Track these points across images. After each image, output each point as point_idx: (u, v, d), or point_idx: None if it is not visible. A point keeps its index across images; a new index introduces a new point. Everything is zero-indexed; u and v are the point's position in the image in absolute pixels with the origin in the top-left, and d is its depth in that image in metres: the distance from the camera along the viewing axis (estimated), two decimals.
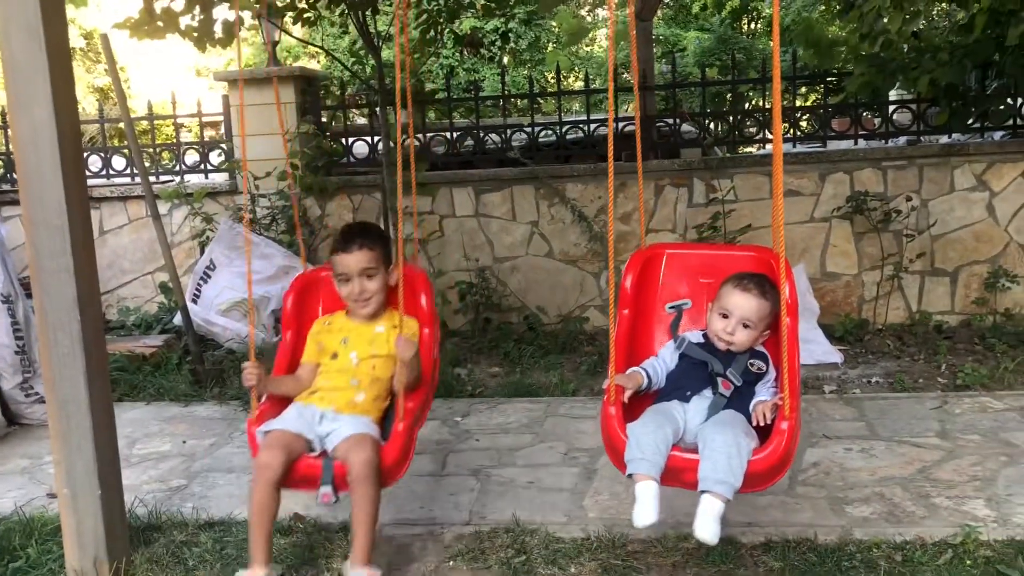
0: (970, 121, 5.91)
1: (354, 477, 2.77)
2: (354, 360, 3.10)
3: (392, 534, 3.43)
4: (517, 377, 5.19)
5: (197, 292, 5.82)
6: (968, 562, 3.02)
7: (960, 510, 3.38)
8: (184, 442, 4.51)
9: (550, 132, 6.40)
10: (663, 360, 3.05)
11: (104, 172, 6.71)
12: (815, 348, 5.22)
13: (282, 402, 3.11)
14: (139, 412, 4.98)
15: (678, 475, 2.68)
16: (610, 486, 3.73)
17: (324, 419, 2.97)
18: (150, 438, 4.59)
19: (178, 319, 5.60)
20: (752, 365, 2.95)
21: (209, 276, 5.83)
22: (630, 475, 2.67)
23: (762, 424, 2.78)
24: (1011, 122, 5.89)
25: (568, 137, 6.38)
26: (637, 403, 3.00)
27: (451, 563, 3.21)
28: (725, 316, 2.96)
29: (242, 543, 3.35)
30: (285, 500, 3.68)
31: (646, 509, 2.60)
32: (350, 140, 6.45)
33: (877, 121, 6.22)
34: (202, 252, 6.05)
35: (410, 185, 3.19)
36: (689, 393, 2.91)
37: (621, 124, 6.26)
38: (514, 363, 5.40)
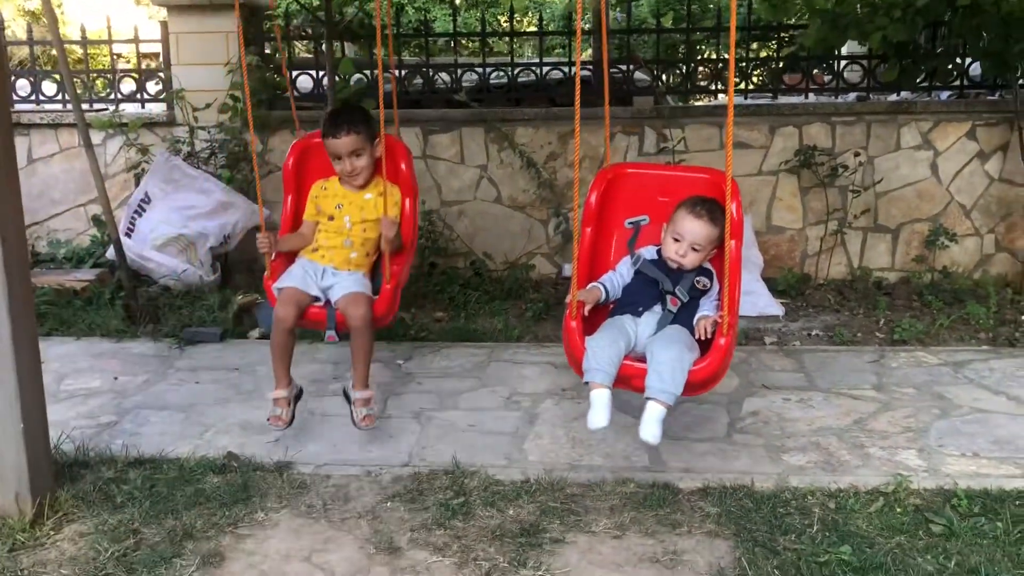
0: (919, 79, 5.94)
1: (353, 328, 3.42)
2: (347, 224, 3.65)
3: (330, 473, 3.39)
4: (462, 322, 5.14)
5: (131, 226, 5.61)
6: (898, 509, 3.09)
7: (893, 460, 3.45)
8: (115, 379, 4.38)
9: (501, 74, 6.28)
10: (620, 274, 3.36)
11: (34, 97, 6.40)
12: (757, 300, 5.26)
13: (288, 258, 3.71)
14: (69, 347, 4.82)
15: (628, 381, 3.04)
16: (551, 430, 3.73)
17: (326, 274, 3.57)
18: (80, 374, 4.45)
19: (111, 253, 5.40)
20: (698, 282, 3.27)
21: (144, 210, 5.62)
22: (586, 383, 3.00)
23: (703, 339, 3.09)
24: (958, 82, 5.95)
25: (520, 80, 6.27)
26: (595, 314, 3.29)
27: (388, 504, 3.18)
28: (677, 240, 3.24)
29: (173, 481, 3.28)
30: (219, 439, 3.64)
31: (599, 414, 2.95)
32: (294, 73, 6.24)
33: (827, 77, 6.23)
34: (137, 185, 5.84)
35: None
36: (641, 309, 3.22)
37: (572, 69, 6.17)
38: (459, 308, 5.34)
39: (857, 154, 5.68)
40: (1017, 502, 3.11)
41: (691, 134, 5.80)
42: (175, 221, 5.57)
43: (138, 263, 5.49)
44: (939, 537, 2.92)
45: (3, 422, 2.97)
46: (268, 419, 3.49)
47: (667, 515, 3.09)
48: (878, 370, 4.36)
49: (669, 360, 2.96)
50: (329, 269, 3.60)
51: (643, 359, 3.06)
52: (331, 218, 3.67)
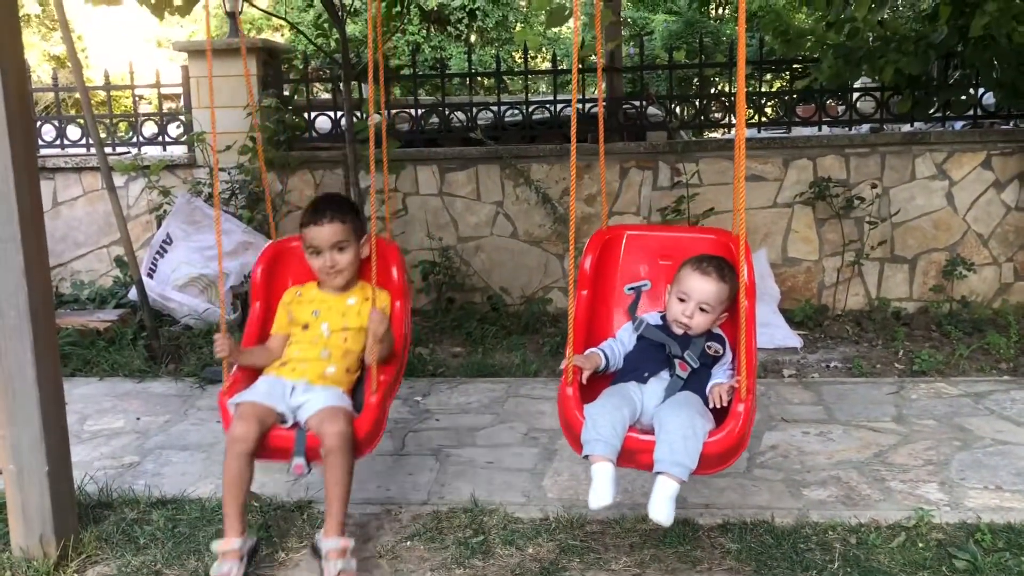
0: (932, 110, 5.96)
1: (328, 449, 2.79)
2: (325, 332, 3.09)
3: (350, 512, 3.36)
4: (479, 357, 5.16)
5: (153, 266, 5.70)
6: (921, 544, 3.06)
7: (914, 494, 3.42)
8: (138, 419, 4.42)
9: (516, 112, 6.35)
10: (621, 342, 3.04)
11: (58, 142, 6.54)
12: (775, 332, 5.26)
13: (253, 373, 3.11)
14: (92, 388, 4.88)
15: (634, 456, 2.67)
16: (570, 467, 3.72)
17: (296, 391, 2.97)
18: (102, 414, 4.49)
19: (133, 294, 5.48)
20: (709, 348, 2.94)
21: (166, 250, 5.71)
22: (586, 456, 2.65)
23: (718, 407, 2.77)
24: (971, 112, 5.96)
25: (534, 117, 6.34)
26: (595, 384, 2.98)
27: (408, 543, 3.18)
28: (683, 300, 2.94)
29: (195, 521, 3.29)
30: None
31: (602, 491, 2.60)
32: (313, 115, 6.35)
33: (841, 109, 6.25)
34: (159, 226, 5.92)
35: (381, 162, 3.14)
36: (647, 375, 2.89)
37: (587, 105, 6.23)
38: (476, 343, 5.36)
39: (874, 185, 5.69)
40: None
41: (705, 167, 5.83)
42: (196, 261, 5.65)
43: (160, 303, 5.57)
44: (963, 573, 2.89)
45: (28, 464, 3.00)
46: None
47: (687, 552, 3.07)
48: (898, 402, 4.33)
49: (680, 428, 2.59)
50: (300, 384, 2.97)
51: (651, 430, 2.70)
52: (305, 327, 3.10)
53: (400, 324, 3.16)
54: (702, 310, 2.92)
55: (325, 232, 3.06)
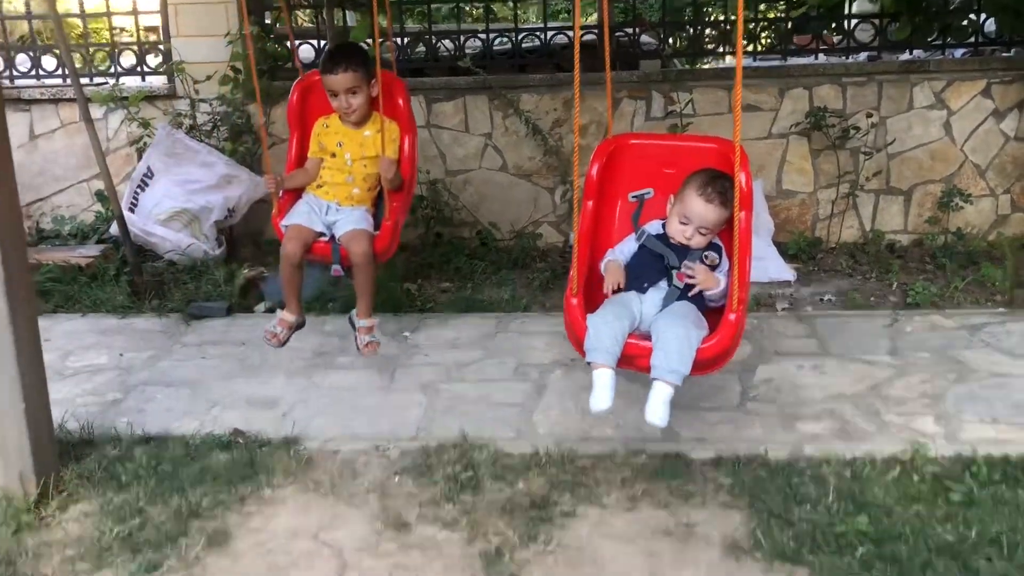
0: (931, 38, 5.78)
1: (355, 264, 3.55)
2: (348, 161, 3.71)
3: (337, 448, 3.32)
4: (468, 293, 5.05)
5: (135, 201, 5.53)
6: (916, 478, 3.01)
7: (909, 427, 3.36)
8: (121, 355, 4.31)
9: (505, 40, 6.13)
10: (623, 252, 3.16)
11: (34, 72, 6.30)
12: (769, 265, 5.15)
13: (294, 194, 3.77)
14: (74, 324, 4.76)
15: (633, 361, 2.86)
16: (560, 402, 3.65)
17: (330, 210, 3.67)
18: (85, 351, 4.38)
19: (115, 229, 5.32)
20: (706, 258, 3.08)
21: (147, 184, 5.53)
22: (588, 363, 2.83)
23: (687, 284, 2.98)
24: (972, 39, 5.78)
25: (524, 46, 6.12)
26: (597, 292, 3.10)
27: (397, 478, 3.12)
28: (684, 223, 3.05)
29: (178, 459, 3.22)
30: (226, 415, 3.57)
31: (601, 396, 2.79)
32: (296, 43, 6.10)
33: (837, 38, 6.06)
34: (139, 159, 5.74)
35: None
36: (646, 285, 3.04)
37: (580, 33, 6.01)
38: (465, 279, 5.25)
39: (869, 115, 5.53)
40: None
41: (699, 97, 5.65)
42: (178, 195, 5.48)
43: (142, 238, 5.42)
44: (958, 506, 2.84)
45: (4, 402, 2.90)
46: (265, 333, 3.69)
47: (680, 486, 3.02)
48: (892, 335, 4.26)
49: (676, 338, 2.77)
50: (333, 205, 3.68)
51: (648, 337, 2.87)
52: (333, 155, 3.73)
53: (407, 157, 3.74)
54: (701, 233, 3.05)
55: (339, 79, 3.59)
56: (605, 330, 2.81)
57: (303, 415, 3.58)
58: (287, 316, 3.70)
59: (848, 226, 5.71)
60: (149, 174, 5.58)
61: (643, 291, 3.03)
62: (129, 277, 5.14)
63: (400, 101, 3.78)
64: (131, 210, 5.48)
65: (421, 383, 3.88)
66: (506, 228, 5.87)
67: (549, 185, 5.84)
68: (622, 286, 3.02)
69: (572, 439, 3.33)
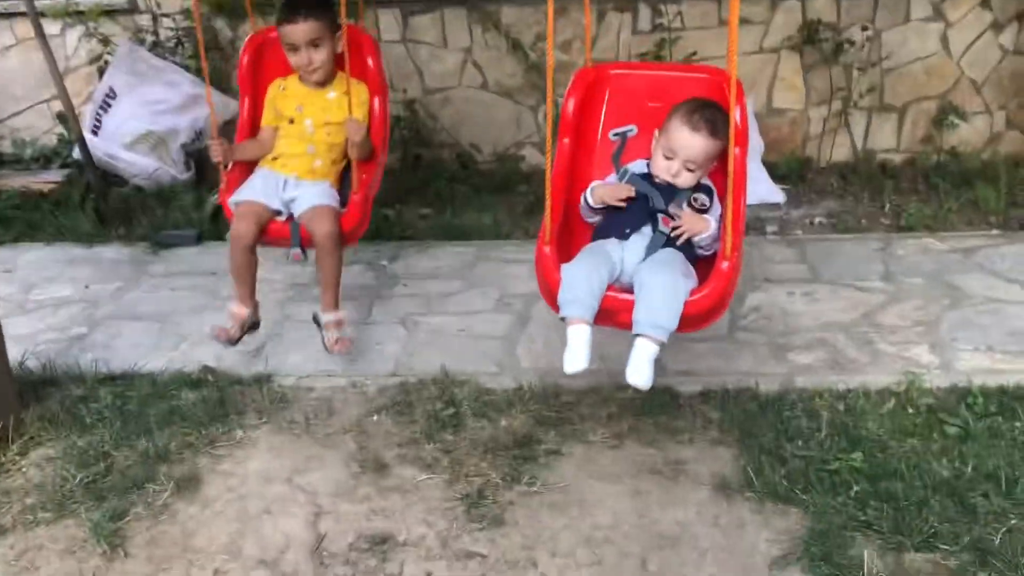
0: None
1: (319, 246, 3.08)
2: (309, 127, 3.25)
3: (312, 385, 3.20)
4: (448, 219, 4.86)
5: (97, 123, 5.25)
6: (911, 410, 2.92)
7: (904, 356, 3.25)
8: (87, 287, 4.13)
9: None
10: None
11: None
12: (758, 187, 4.97)
13: (247, 168, 3.31)
14: (38, 254, 4.56)
15: (612, 316, 2.56)
16: (544, 334, 3.51)
17: (288, 185, 3.18)
18: (49, 282, 4.20)
19: (78, 153, 5.07)
20: (695, 200, 2.76)
21: (109, 105, 5.25)
22: (563, 318, 2.54)
23: (675, 229, 2.66)
24: None
25: None
26: (572, 242, 2.82)
27: (375, 417, 3.00)
28: (669, 158, 2.72)
29: (145, 398, 3.09)
30: (196, 351, 3.42)
31: (577, 355, 2.50)
32: None
33: None
34: (101, 78, 5.44)
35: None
36: (628, 230, 2.72)
37: None
38: (445, 204, 5.04)
39: (864, 28, 5.28)
40: None
41: (688, 9, 5.37)
42: (143, 117, 5.21)
43: (107, 162, 5.16)
44: (954, 439, 2.76)
45: None
46: (212, 329, 3.18)
47: (667, 422, 2.92)
48: (885, 259, 4.12)
49: (661, 288, 2.46)
50: (291, 179, 3.20)
51: (630, 289, 2.56)
52: (291, 121, 3.27)
53: (379, 121, 3.31)
54: (688, 169, 2.71)
55: (299, 29, 3.14)
56: (581, 281, 2.51)
57: (277, 350, 3.44)
58: (238, 309, 3.17)
59: (840, 145, 5.52)
60: (111, 94, 5.29)
61: (624, 237, 2.70)
62: (95, 204, 4.92)
63: (370, 60, 3.33)
64: (94, 133, 5.21)
65: (400, 316, 3.73)
66: (487, 150, 5.64)
67: (532, 104, 5.60)
68: (633, 196, 2.69)
69: (556, 373, 3.17)
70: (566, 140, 2.91)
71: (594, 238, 2.84)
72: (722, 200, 2.72)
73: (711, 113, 2.70)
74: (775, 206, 4.94)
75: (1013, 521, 2.38)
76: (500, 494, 2.58)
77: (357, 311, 3.77)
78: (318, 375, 3.25)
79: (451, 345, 3.45)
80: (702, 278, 2.65)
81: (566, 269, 2.57)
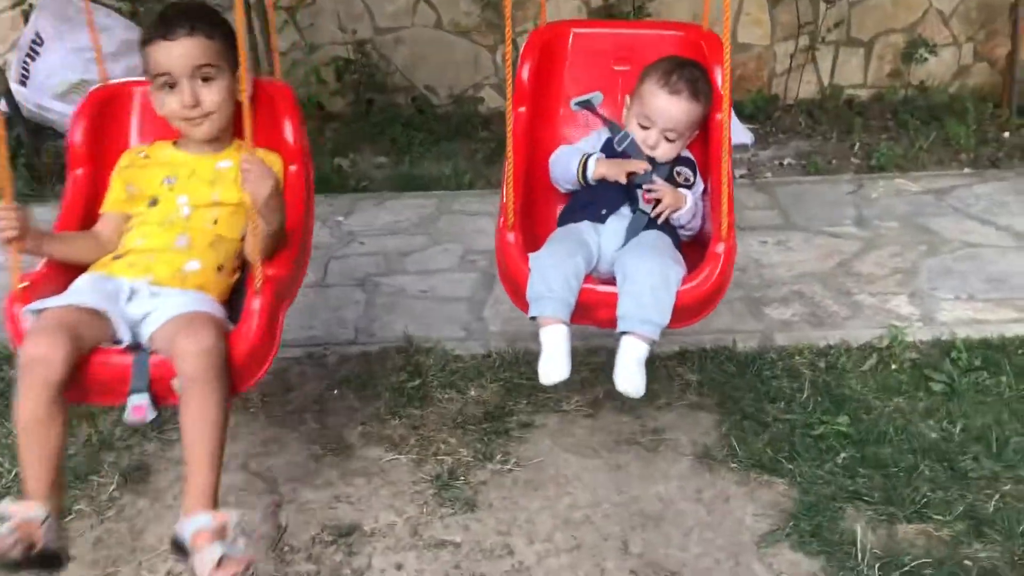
0: None
1: (187, 377, 1.81)
2: (184, 209, 2.14)
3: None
4: (406, 168, 4.61)
5: (25, 72, 4.86)
6: (894, 366, 2.80)
7: (884, 308, 3.12)
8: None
9: None
10: (584, 148, 2.45)
11: None
12: None
13: (67, 272, 2.09)
14: None
15: (591, 312, 2.20)
16: None
17: (136, 296, 1.99)
18: None
19: (4, 105, 4.70)
20: (678, 175, 2.42)
21: (37, 52, 4.86)
22: (533, 317, 2.17)
23: (656, 212, 2.30)
24: None
25: None
26: (535, 221, 2.45)
27: (336, 391, 2.80)
28: (645, 127, 2.38)
29: None
30: None
31: (555, 362, 2.14)
32: None
33: None
34: (26, 23, 5.03)
35: None
36: (604, 211, 2.35)
37: None
38: (402, 152, 4.79)
39: None
40: (1020, 351, 2.83)
41: None
42: (75, 65, 4.82)
43: (38, 115, 4.80)
44: (940, 397, 2.64)
45: None
46: None
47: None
48: (857, 202, 3.98)
49: (648, 277, 2.09)
50: (143, 286, 2.01)
51: (610, 280, 2.22)
52: (154, 202, 2.16)
53: (298, 196, 2.25)
54: (668, 139, 2.37)
55: (180, 50, 2.08)
56: (554, 273, 2.11)
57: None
58: (26, 511, 1.75)
59: (806, 81, 5.33)
60: (38, 41, 4.89)
61: (601, 220, 2.33)
62: (26, 160, 4.58)
63: (288, 124, 2.31)
64: (22, 83, 4.82)
65: (358, 277, 3.50)
66: (444, 93, 5.36)
67: (490, 44, 5.31)
68: (647, 168, 2.31)
69: (526, 337, 3.02)
70: (522, 109, 2.52)
71: (561, 220, 2.44)
72: (703, 174, 2.46)
73: (691, 72, 2.36)
74: (743, 147, 4.75)
75: (1006, 487, 2.28)
76: (472, 473, 2.42)
77: (312, 273, 3.52)
78: None
79: (414, 308, 3.25)
80: (691, 266, 2.24)
81: (536, 260, 2.18)
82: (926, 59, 5.08)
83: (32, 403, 1.79)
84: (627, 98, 2.47)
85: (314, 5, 5.21)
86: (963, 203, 3.90)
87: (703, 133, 2.45)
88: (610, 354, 2.80)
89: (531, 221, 2.41)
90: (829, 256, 3.50)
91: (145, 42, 2.13)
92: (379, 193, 4.33)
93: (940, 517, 2.19)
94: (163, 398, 1.90)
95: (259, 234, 1.96)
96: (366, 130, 4.97)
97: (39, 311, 1.92)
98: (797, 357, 2.86)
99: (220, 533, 1.74)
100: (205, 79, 2.11)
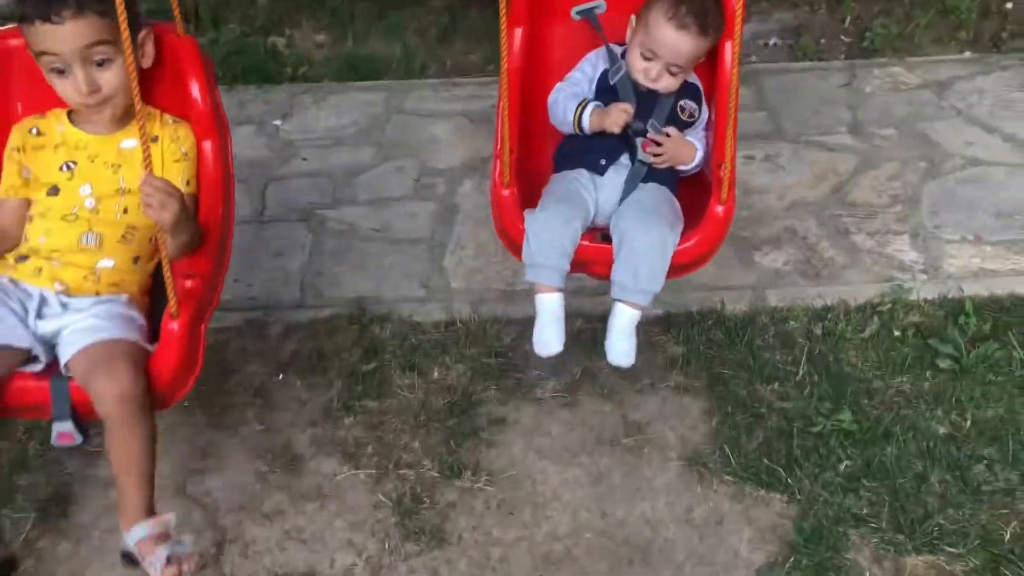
0: None
1: (107, 420, 1.69)
2: (88, 200, 1.87)
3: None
4: (350, 47, 3.94)
5: None
6: (897, 333, 2.47)
7: (884, 253, 2.75)
8: None
9: None
10: (581, 84, 2.24)
11: None
12: None
13: None
14: None
15: (587, 266, 2.13)
16: (474, 233, 2.86)
17: (46, 307, 1.80)
18: None
19: None
20: (682, 110, 2.22)
21: None
22: (528, 280, 2.09)
23: (657, 164, 2.15)
24: None
25: None
26: (529, 158, 2.21)
27: (280, 376, 2.41)
28: (648, 58, 2.13)
29: None
30: None
31: (550, 334, 2.07)
32: None
33: None
34: None
35: None
36: (603, 162, 2.17)
37: None
38: (344, 26, 4.08)
39: None
40: None
41: None
42: None
43: None
44: (947, 376, 2.34)
45: None
46: None
47: None
48: (851, 100, 3.48)
49: (646, 247, 1.99)
50: (52, 296, 1.83)
51: (606, 230, 2.10)
52: (53, 191, 1.88)
53: (215, 182, 1.91)
54: (672, 73, 2.14)
55: (68, 34, 1.73)
56: (550, 238, 2.00)
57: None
58: None
59: None
60: None
61: (600, 172, 2.16)
62: None
63: (194, 84, 1.93)
64: None
65: (301, 208, 3.00)
66: None
67: None
68: (631, 113, 2.11)
69: (494, 295, 2.63)
70: (518, 31, 2.22)
71: (558, 161, 2.26)
72: (709, 103, 2.24)
73: (701, 3, 2.09)
74: None
75: (1022, 505, 2.03)
76: (438, 493, 2.10)
77: (249, 201, 3.02)
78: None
79: (367, 253, 2.80)
80: (687, 207, 2.15)
81: (532, 221, 2.02)
82: None
83: None
84: (632, 18, 2.20)
85: None
86: (964, 101, 3.43)
87: (710, 58, 2.18)
88: (586, 319, 2.50)
89: (527, 153, 2.21)
90: (822, 178, 3.06)
91: (25, 17, 1.76)
92: (320, 84, 3.71)
93: (953, 549, 1.94)
94: (88, 416, 1.75)
95: (168, 248, 1.72)
96: (302, 1, 4.23)
97: None
98: (792, 322, 2.51)
99: (163, 537, 1.71)
100: (99, 62, 1.80)
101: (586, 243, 2.05)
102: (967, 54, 3.82)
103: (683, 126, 2.21)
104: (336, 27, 4.12)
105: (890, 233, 2.82)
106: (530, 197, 2.13)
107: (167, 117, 1.95)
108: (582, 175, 2.15)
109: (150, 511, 1.72)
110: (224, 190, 1.97)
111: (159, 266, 1.80)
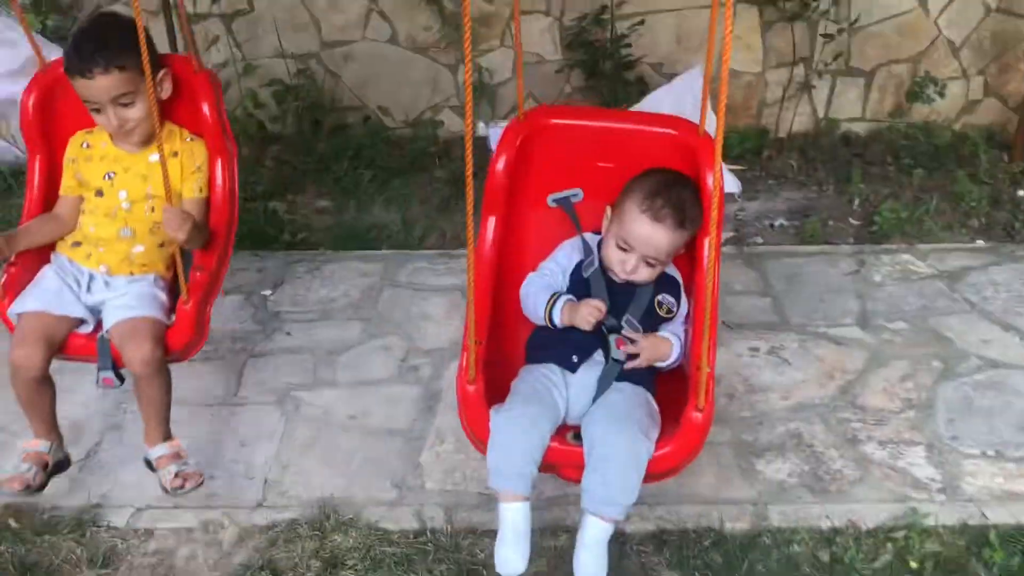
0: None
1: (136, 375, 2.23)
2: (124, 203, 2.34)
3: (151, 527, 2.33)
4: (352, 215, 3.90)
5: None
6: (913, 565, 2.20)
7: (897, 468, 2.50)
8: None
9: None
10: (555, 275, 2.17)
11: None
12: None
13: (37, 256, 2.37)
14: None
15: (556, 469, 1.98)
16: (454, 426, 2.63)
17: (95, 283, 2.31)
18: None
19: None
20: (660, 306, 2.10)
21: None
22: (491, 487, 1.94)
23: (631, 367, 2.04)
24: None
25: None
26: (502, 335, 2.15)
27: None
28: (624, 249, 2.04)
29: None
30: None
31: (512, 550, 1.89)
32: None
33: None
34: None
35: None
36: (576, 359, 2.06)
37: None
38: (348, 193, 4.05)
39: None
40: None
41: None
42: None
43: None
44: None
45: None
46: (6, 482, 2.18)
47: None
48: (860, 289, 3.32)
49: (619, 457, 1.84)
50: (99, 275, 2.32)
51: (577, 431, 1.96)
52: (99, 193, 2.35)
53: (224, 193, 2.38)
54: (649, 264, 2.04)
55: (99, 86, 2.20)
56: (516, 445, 1.86)
57: (109, 460, 2.54)
58: (38, 445, 2.27)
59: (800, 113, 4.63)
60: None
61: (572, 368, 2.05)
62: None
63: (205, 106, 2.38)
64: None
65: (277, 390, 2.82)
66: (399, 115, 4.60)
67: (449, 62, 4.53)
68: (603, 311, 2.03)
69: (470, 499, 2.40)
70: (492, 218, 2.17)
71: (529, 355, 2.16)
72: (689, 294, 2.13)
73: (677, 195, 2.02)
74: (729, 197, 4.07)
75: None
76: None
77: (223, 382, 2.86)
78: (158, 507, 2.37)
79: (338, 447, 2.59)
80: (665, 404, 2.03)
81: (498, 421, 1.90)
82: (933, 100, 4.38)
83: (24, 390, 2.22)
84: (608, 209, 2.14)
85: (252, 13, 4.41)
86: (979, 295, 3.27)
87: (689, 249, 2.10)
88: (569, 534, 2.25)
89: (501, 331, 2.15)
90: (830, 377, 2.86)
91: (68, 70, 2.23)
92: (317, 252, 3.62)
93: None
94: (123, 366, 2.25)
95: (182, 245, 2.23)
96: (308, 165, 4.22)
97: (20, 315, 2.25)
98: (795, 545, 2.25)
99: (175, 456, 2.26)
100: (123, 102, 2.24)
101: (555, 445, 1.90)
102: (979, 242, 3.70)
103: (660, 321, 2.09)
104: (339, 193, 4.09)
105: (903, 443, 2.58)
106: (502, 387, 2.02)
107: (186, 134, 2.39)
108: (553, 371, 2.03)
109: (167, 436, 2.28)
110: (229, 199, 2.41)
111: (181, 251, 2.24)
